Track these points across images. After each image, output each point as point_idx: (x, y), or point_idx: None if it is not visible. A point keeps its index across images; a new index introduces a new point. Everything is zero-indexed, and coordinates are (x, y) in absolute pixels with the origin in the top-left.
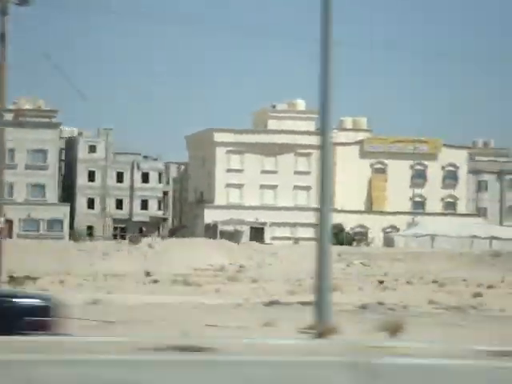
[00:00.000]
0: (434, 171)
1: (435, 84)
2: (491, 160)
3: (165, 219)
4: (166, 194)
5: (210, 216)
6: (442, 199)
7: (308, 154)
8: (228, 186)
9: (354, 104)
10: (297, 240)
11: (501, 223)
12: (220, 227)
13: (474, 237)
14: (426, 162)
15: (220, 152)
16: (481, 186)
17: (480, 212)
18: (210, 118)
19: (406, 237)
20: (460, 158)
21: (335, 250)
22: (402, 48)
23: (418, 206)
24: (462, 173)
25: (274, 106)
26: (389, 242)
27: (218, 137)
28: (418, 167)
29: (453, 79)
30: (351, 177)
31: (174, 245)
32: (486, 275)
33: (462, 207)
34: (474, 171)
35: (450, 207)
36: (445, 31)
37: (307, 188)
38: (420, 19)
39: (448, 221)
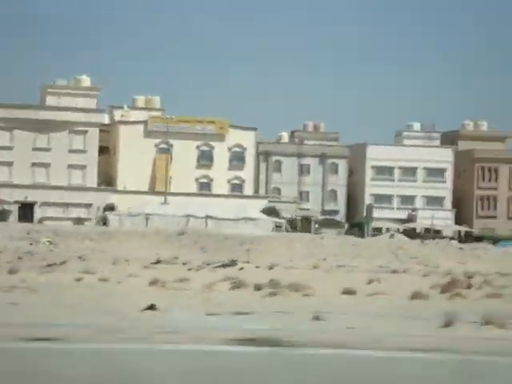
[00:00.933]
0: (221, 152)
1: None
2: (317, 144)
3: None
4: None
5: None
6: (229, 181)
7: (84, 132)
8: None
9: (148, 83)
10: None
11: (322, 207)
12: None
13: (190, 216)
14: (212, 143)
15: None
16: (303, 170)
17: (302, 196)
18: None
19: (121, 216)
20: (247, 139)
21: (25, 227)
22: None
23: (205, 187)
24: (249, 154)
25: (54, 82)
26: (105, 221)
27: None
28: (205, 148)
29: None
30: (136, 157)
31: None
32: (154, 252)
33: (248, 189)
34: (298, 155)
35: (237, 189)
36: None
37: (82, 167)
38: None
39: (235, 203)
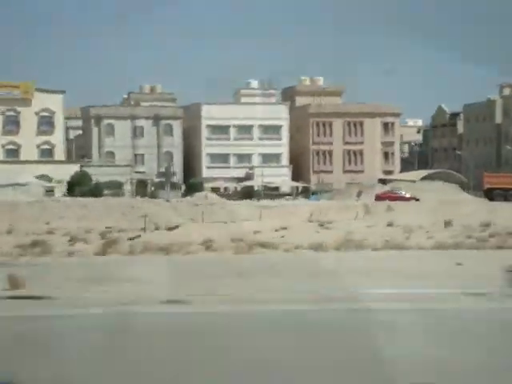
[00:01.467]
0: (28, 117)
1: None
2: (151, 105)
3: None
4: None
5: None
6: (38, 146)
7: None
8: None
9: None
10: None
11: (158, 169)
12: None
13: None
14: (18, 108)
15: None
16: (137, 133)
17: (137, 159)
18: None
19: None
20: (56, 103)
21: None
22: None
23: (12, 153)
24: (58, 118)
25: None
26: None
27: None
28: (10, 113)
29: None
30: None
31: None
32: None
33: (59, 154)
34: (131, 117)
35: (47, 154)
36: None
37: None
38: None
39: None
